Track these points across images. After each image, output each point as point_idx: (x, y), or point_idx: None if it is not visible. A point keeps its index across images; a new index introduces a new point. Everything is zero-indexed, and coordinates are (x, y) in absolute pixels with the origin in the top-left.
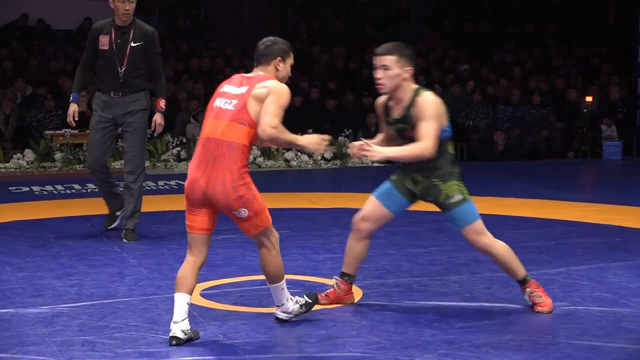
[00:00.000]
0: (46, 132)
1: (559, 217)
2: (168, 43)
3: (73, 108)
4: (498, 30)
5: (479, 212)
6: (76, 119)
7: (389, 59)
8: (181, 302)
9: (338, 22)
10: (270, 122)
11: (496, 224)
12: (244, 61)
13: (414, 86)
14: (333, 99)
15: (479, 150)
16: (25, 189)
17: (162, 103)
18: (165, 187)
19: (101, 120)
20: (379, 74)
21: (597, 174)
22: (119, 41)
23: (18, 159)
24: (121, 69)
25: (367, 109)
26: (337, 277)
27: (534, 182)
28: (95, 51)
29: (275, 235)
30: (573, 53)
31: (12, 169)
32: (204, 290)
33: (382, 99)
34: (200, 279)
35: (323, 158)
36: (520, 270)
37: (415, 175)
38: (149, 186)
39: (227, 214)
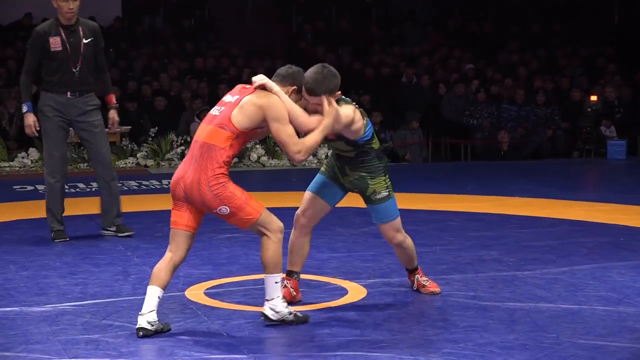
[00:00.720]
0: None
1: (564, 216)
2: (172, 43)
3: (32, 118)
4: (502, 30)
5: (485, 212)
6: (37, 128)
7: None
8: (151, 294)
9: (342, 22)
10: (293, 149)
11: (500, 224)
12: (248, 61)
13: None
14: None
15: (483, 149)
16: (30, 187)
17: (113, 98)
18: (170, 185)
19: (60, 122)
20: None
21: (602, 173)
22: (71, 40)
23: (22, 157)
24: (76, 68)
25: (369, 107)
26: (285, 276)
27: (538, 181)
28: (43, 54)
29: (275, 223)
30: (578, 53)
31: (17, 168)
32: (207, 289)
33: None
34: (204, 277)
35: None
36: (416, 260)
37: (345, 168)
38: (153, 185)
39: (212, 214)
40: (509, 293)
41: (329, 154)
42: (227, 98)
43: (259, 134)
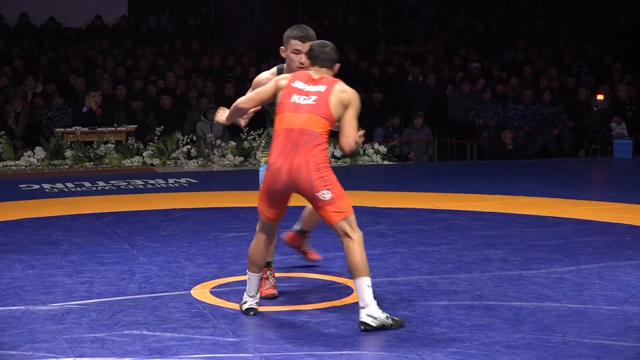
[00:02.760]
0: (56, 129)
1: (570, 215)
2: (178, 41)
3: None
4: (509, 29)
5: (490, 211)
6: None
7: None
8: (253, 278)
9: (348, 21)
10: (354, 141)
11: (507, 223)
12: (254, 59)
13: None
14: None
15: (489, 148)
16: (36, 186)
17: None
18: (176, 184)
19: None
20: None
21: (608, 172)
22: None
23: (29, 156)
24: None
25: (379, 105)
26: (268, 270)
27: (544, 180)
28: None
29: (358, 228)
30: (584, 52)
31: (23, 167)
32: (213, 288)
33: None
34: (209, 276)
35: (333, 156)
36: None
37: None
38: (159, 184)
39: (311, 199)
40: (515, 292)
41: (266, 142)
42: (306, 87)
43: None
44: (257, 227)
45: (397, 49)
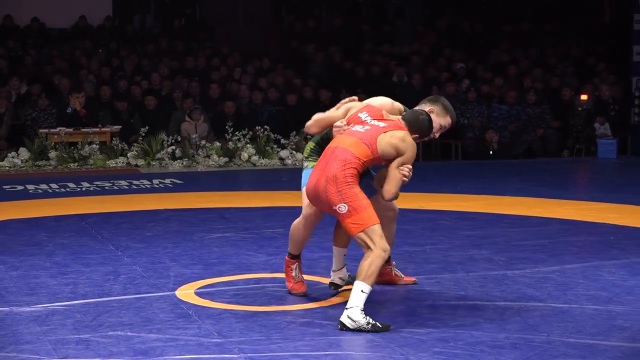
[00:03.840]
0: (41, 130)
1: (554, 215)
2: (163, 42)
3: None
4: (493, 29)
5: (475, 211)
6: None
7: None
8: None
9: (333, 21)
10: (391, 190)
11: (491, 223)
12: (240, 60)
13: None
14: (327, 90)
15: (474, 148)
16: (20, 187)
17: None
18: (160, 185)
19: None
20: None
21: (592, 172)
22: None
23: (13, 157)
24: None
25: None
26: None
27: (529, 180)
28: None
29: (384, 243)
30: (568, 52)
31: (7, 168)
32: (198, 288)
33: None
34: (194, 277)
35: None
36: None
37: None
38: (143, 185)
39: (331, 213)
40: (499, 292)
41: (311, 149)
42: (369, 119)
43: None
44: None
45: (382, 49)
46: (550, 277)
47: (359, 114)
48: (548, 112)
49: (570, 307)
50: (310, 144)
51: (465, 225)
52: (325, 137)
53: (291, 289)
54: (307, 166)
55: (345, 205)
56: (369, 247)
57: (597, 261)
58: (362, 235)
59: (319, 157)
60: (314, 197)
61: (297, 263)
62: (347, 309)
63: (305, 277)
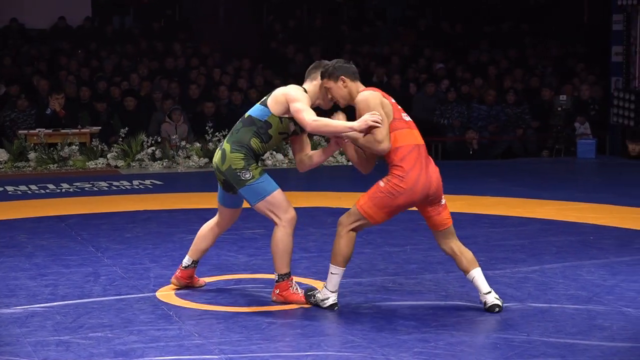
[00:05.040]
0: (20, 131)
1: (534, 215)
2: (143, 42)
3: None
4: (473, 30)
5: (456, 211)
6: None
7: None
8: None
9: (314, 22)
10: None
11: (472, 223)
12: (219, 60)
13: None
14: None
15: (454, 149)
16: None
17: None
18: (140, 186)
19: None
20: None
21: (572, 172)
22: None
23: None
24: None
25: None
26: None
27: (509, 180)
28: None
29: None
30: (548, 52)
31: None
32: (179, 289)
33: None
34: None
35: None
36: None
37: None
38: (123, 186)
39: (431, 205)
40: None
41: (243, 159)
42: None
43: None
44: (354, 226)
45: (362, 50)
46: (530, 277)
47: (392, 101)
48: (528, 112)
49: (550, 307)
50: (239, 155)
51: None
52: (257, 147)
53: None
54: (254, 176)
55: (444, 198)
56: (456, 238)
57: (576, 261)
58: (452, 227)
59: (257, 164)
60: (421, 196)
61: (290, 279)
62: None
63: None
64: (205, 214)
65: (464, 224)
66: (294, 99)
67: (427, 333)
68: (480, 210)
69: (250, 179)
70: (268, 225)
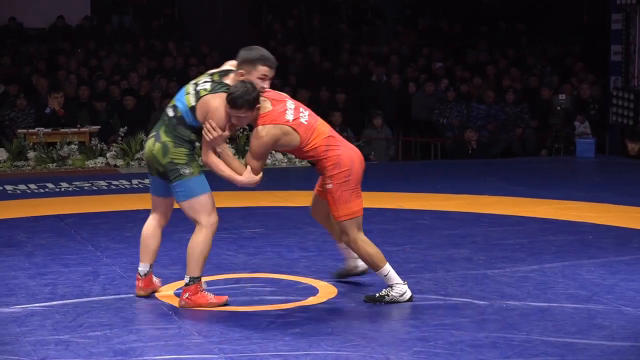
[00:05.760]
0: (19, 130)
1: (533, 214)
2: (142, 42)
3: None
4: (472, 29)
5: (455, 210)
6: None
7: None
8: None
9: (312, 21)
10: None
11: (471, 222)
12: (218, 59)
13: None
14: (307, 90)
15: (453, 148)
16: None
17: None
18: (140, 185)
19: None
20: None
21: (571, 171)
22: None
23: None
24: None
25: (343, 107)
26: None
27: (508, 179)
28: None
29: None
30: (547, 52)
31: None
32: (178, 289)
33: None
34: (174, 277)
35: None
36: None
37: None
38: (123, 185)
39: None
40: (479, 291)
41: (186, 154)
42: (297, 106)
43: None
44: (356, 231)
45: (361, 49)
46: (530, 276)
47: (291, 100)
48: (527, 112)
49: (550, 306)
50: (183, 150)
51: (445, 225)
52: (196, 139)
53: (218, 302)
54: (193, 173)
55: None
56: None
57: (576, 260)
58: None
59: (197, 162)
60: (364, 164)
61: (200, 282)
62: None
63: (285, 277)
64: None
65: (463, 223)
66: (214, 109)
67: (427, 332)
68: (479, 210)
69: (188, 174)
70: (268, 224)
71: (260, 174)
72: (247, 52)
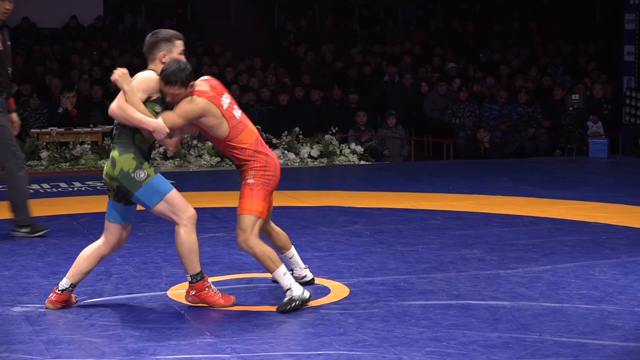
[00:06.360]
0: (32, 130)
1: (546, 215)
2: None
3: None
4: (484, 29)
5: (467, 210)
6: None
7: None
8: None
9: (325, 21)
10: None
11: (483, 222)
12: (231, 59)
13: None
14: (319, 90)
15: (466, 148)
16: None
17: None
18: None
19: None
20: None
21: (584, 171)
22: (8, 42)
23: None
24: (9, 69)
25: (356, 107)
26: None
27: (521, 180)
28: None
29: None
30: (560, 51)
31: None
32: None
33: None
34: (186, 277)
35: (310, 156)
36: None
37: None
38: None
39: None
40: (492, 291)
41: (133, 158)
42: (232, 101)
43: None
44: (256, 231)
45: (374, 49)
46: (542, 277)
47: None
48: (539, 112)
49: (563, 307)
50: (128, 155)
51: (457, 225)
52: (141, 143)
53: (225, 304)
54: (149, 175)
55: None
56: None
57: (588, 260)
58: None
59: (148, 162)
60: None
61: (205, 278)
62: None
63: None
64: (217, 213)
65: (476, 223)
66: (136, 85)
67: (439, 332)
68: (492, 210)
69: (145, 179)
70: (280, 224)
71: (169, 130)
72: (155, 35)
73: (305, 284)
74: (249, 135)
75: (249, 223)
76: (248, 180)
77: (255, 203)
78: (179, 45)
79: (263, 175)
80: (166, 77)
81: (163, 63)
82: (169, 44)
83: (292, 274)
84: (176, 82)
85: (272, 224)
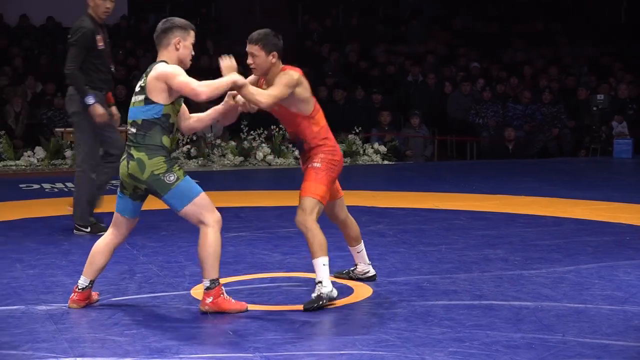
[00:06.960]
0: (56, 129)
1: (570, 215)
2: None
3: (101, 109)
4: (508, 29)
5: (490, 210)
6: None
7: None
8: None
9: (349, 21)
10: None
11: (507, 222)
12: None
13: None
14: (343, 90)
15: (489, 148)
16: (36, 186)
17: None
18: None
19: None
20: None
21: (608, 172)
22: (107, 40)
23: (29, 156)
24: (111, 66)
25: (379, 106)
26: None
27: (545, 180)
28: (89, 51)
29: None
30: (584, 51)
31: (23, 167)
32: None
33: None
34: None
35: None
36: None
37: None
38: None
39: None
40: (515, 292)
41: (164, 161)
42: None
43: None
44: (315, 215)
45: (397, 49)
46: (566, 277)
47: None
48: (563, 112)
49: (586, 307)
50: (160, 158)
51: (480, 225)
52: (168, 143)
53: (240, 309)
54: (179, 177)
55: None
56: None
57: (612, 261)
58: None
59: (178, 164)
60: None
61: (220, 284)
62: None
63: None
64: (240, 212)
65: (499, 223)
66: (173, 74)
67: (462, 332)
68: (515, 210)
69: (175, 181)
70: None
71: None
72: (170, 21)
73: (367, 279)
74: (322, 117)
75: (310, 205)
76: (315, 164)
77: (319, 188)
78: (193, 35)
79: (331, 160)
80: (250, 36)
81: (177, 49)
82: (184, 31)
83: (355, 269)
84: (257, 41)
85: (349, 215)
